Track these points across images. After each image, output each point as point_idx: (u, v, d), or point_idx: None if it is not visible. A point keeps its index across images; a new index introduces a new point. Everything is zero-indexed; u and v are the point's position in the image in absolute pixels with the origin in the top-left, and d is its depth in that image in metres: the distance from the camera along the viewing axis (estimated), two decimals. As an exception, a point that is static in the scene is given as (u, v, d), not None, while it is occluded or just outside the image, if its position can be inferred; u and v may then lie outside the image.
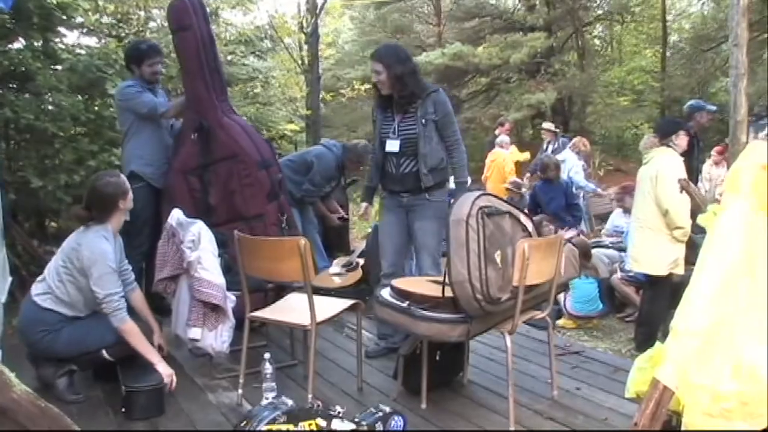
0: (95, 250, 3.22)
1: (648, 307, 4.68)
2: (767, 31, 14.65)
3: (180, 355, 3.94)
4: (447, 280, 2.75)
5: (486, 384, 3.53)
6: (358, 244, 6.79)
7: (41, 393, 3.25)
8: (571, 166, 7.60)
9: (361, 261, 5.48)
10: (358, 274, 5.13)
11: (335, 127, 17.67)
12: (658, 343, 2.75)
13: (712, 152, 8.78)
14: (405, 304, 2.88)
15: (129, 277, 3.59)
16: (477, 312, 2.73)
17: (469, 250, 2.65)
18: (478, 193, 2.84)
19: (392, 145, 3.67)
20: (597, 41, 21.36)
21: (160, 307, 4.21)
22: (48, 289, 3.30)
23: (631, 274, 5.66)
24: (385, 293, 3.06)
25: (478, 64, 16.08)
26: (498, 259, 2.73)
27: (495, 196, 2.95)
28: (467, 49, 15.88)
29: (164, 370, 3.22)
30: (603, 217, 9.15)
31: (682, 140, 4.54)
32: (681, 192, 4.10)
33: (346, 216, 6.24)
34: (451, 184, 3.86)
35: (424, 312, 2.81)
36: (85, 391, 3.40)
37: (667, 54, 17.73)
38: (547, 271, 2.99)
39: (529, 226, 3.00)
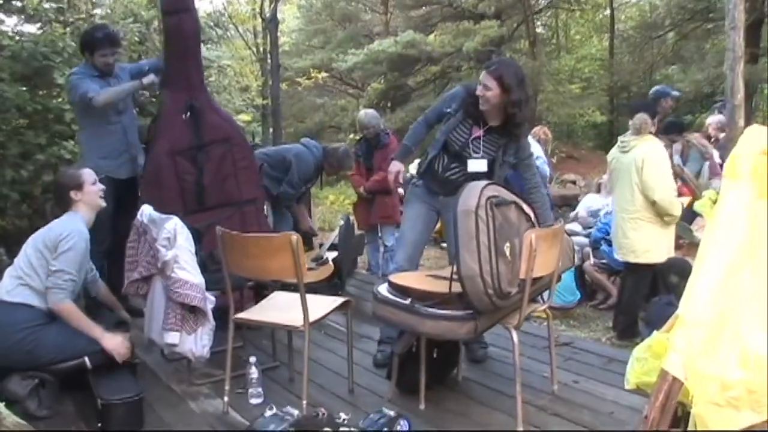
0: (69, 227, 3.13)
1: (629, 294, 4.64)
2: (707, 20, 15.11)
3: (151, 360, 3.72)
4: (455, 275, 2.59)
5: (482, 380, 3.41)
6: (326, 236, 6.60)
7: None
8: (538, 154, 7.52)
9: (332, 255, 5.30)
10: (330, 268, 4.92)
11: (283, 117, 17.29)
12: (656, 332, 2.68)
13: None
14: (407, 302, 2.71)
15: (92, 273, 3.55)
16: (487, 307, 2.58)
17: (479, 243, 2.49)
18: (484, 182, 2.69)
19: (474, 164, 3.28)
20: (543, 29, 21.54)
21: (125, 309, 3.97)
22: (18, 280, 3.09)
23: (603, 261, 5.66)
24: (383, 290, 2.87)
25: (431, 53, 15.96)
26: (507, 252, 2.59)
27: (500, 185, 2.80)
28: (419, 37, 15.75)
29: (110, 343, 3.05)
30: (560, 204, 9.20)
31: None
32: (675, 179, 4.07)
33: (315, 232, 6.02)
34: None
35: (431, 310, 2.65)
36: (54, 404, 3.10)
37: (615, 42, 18.01)
38: (551, 262, 2.87)
39: (532, 216, 2.87)
